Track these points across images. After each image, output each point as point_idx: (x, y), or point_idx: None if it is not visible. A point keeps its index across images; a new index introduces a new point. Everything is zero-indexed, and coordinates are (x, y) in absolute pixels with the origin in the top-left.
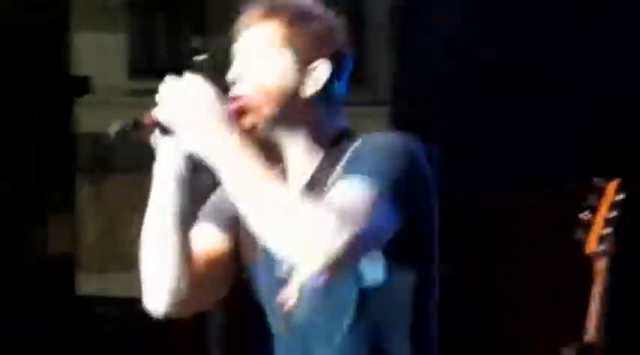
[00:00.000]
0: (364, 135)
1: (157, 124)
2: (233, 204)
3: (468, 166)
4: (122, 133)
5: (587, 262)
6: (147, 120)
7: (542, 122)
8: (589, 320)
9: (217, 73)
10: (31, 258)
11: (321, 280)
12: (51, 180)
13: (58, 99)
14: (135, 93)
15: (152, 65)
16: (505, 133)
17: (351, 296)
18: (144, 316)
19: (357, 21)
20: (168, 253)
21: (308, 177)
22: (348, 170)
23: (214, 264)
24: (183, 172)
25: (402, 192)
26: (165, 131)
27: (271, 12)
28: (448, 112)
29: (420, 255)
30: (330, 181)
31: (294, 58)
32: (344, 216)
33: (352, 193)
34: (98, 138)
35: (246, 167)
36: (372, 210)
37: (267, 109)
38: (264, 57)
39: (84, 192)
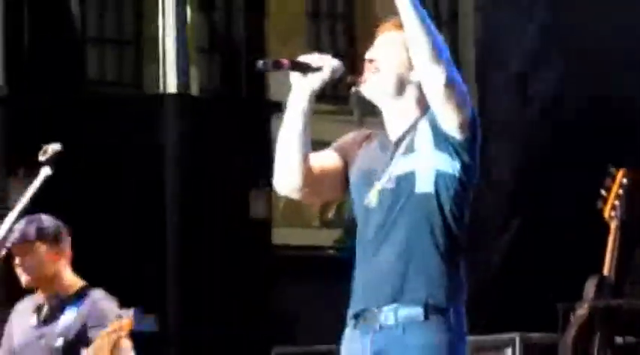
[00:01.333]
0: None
1: (294, 65)
2: (347, 144)
3: None
4: (265, 67)
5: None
6: (284, 61)
7: None
8: (608, 258)
9: None
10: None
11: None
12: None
13: None
14: None
15: None
16: None
17: (404, 197)
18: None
19: None
20: (292, 152)
21: (400, 133)
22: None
23: (326, 170)
24: (308, 103)
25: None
26: (300, 70)
27: (400, 24)
28: None
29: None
30: (416, 137)
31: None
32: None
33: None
34: None
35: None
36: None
37: (390, 78)
38: (396, 51)
39: None
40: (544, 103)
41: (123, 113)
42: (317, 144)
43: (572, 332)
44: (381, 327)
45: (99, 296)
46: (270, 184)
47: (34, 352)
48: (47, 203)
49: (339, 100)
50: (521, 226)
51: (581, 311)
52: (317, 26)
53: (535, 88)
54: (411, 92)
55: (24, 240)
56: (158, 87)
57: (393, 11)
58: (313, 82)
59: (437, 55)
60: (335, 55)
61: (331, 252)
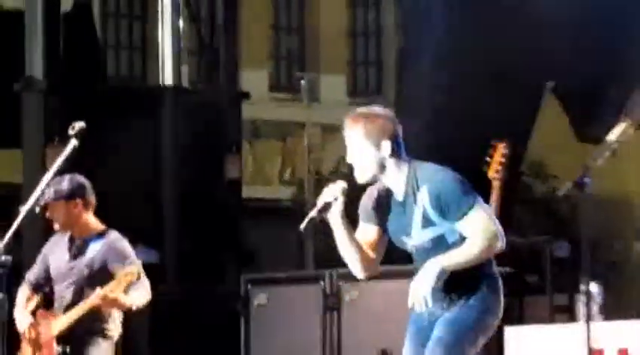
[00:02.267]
0: (421, 166)
1: (322, 210)
2: (371, 201)
3: None
4: (316, 216)
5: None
6: (315, 213)
7: None
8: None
9: None
10: None
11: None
12: None
13: None
14: None
15: None
16: None
17: (442, 250)
18: None
19: None
20: (351, 252)
21: (402, 195)
22: (451, 208)
23: (374, 242)
24: (343, 220)
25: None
26: (327, 209)
27: (355, 119)
28: None
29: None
30: (418, 196)
31: (372, 144)
32: (487, 234)
33: (478, 220)
34: None
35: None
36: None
37: (369, 172)
38: (359, 147)
39: None
40: (447, 94)
41: (132, 100)
42: (277, 123)
43: None
44: None
45: (116, 237)
46: (239, 151)
47: (68, 280)
48: (74, 164)
49: (292, 91)
50: None
51: None
52: (277, 35)
53: (441, 82)
54: (389, 164)
55: (58, 197)
56: (159, 80)
57: (335, 22)
58: (337, 208)
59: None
60: (288, 55)
61: (286, 203)
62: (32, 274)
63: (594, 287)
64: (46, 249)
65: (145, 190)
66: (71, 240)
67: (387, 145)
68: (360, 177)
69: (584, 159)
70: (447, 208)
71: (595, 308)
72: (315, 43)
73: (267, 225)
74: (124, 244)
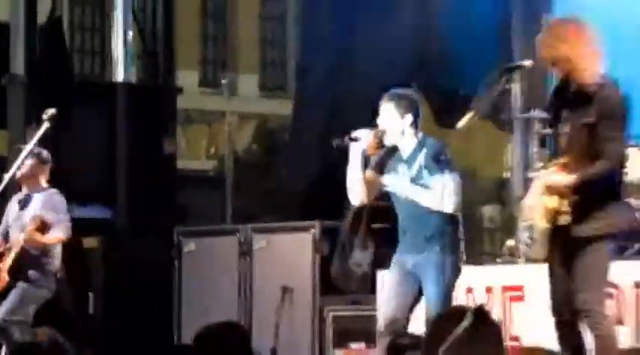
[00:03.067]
0: (427, 138)
1: (352, 139)
2: (379, 157)
3: None
4: (343, 142)
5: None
6: (348, 138)
7: None
8: None
9: None
10: None
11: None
12: None
13: None
14: None
15: None
16: None
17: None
18: None
19: None
20: (354, 181)
21: (408, 154)
22: (435, 168)
23: (372, 182)
24: (361, 156)
25: None
26: (354, 140)
27: (390, 96)
28: None
29: None
30: (419, 157)
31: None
32: (453, 193)
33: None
34: None
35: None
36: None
37: (393, 136)
38: (390, 116)
39: None
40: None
41: (92, 92)
42: (204, 112)
43: (348, 220)
44: None
45: (53, 191)
46: (174, 133)
47: (17, 227)
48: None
49: (216, 86)
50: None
51: (353, 206)
52: (205, 43)
53: (330, 81)
54: (408, 132)
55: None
56: (113, 78)
57: (250, 31)
58: (360, 144)
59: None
60: (213, 58)
61: (210, 173)
62: (1, 226)
63: None
64: (8, 205)
65: (103, 162)
66: (22, 195)
67: (409, 118)
68: (388, 140)
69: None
70: (433, 166)
71: None
72: (234, 49)
73: (195, 190)
74: (61, 199)
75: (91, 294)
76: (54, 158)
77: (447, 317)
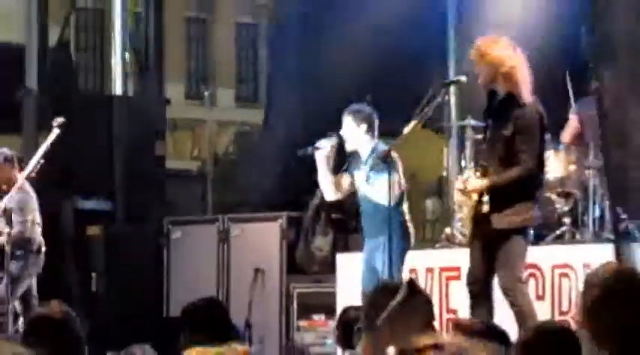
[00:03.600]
0: (380, 145)
1: (314, 149)
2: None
3: None
4: (307, 152)
5: None
6: (311, 149)
7: None
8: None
9: None
10: None
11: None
12: None
13: None
14: None
15: None
16: None
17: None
18: None
19: None
20: (325, 181)
21: (367, 154)
22: (378, 169)
23: (343, 181)
24: (326, 163)
25: None
26: (316, 150)
27: (349, 111)
28: None
29: None
30: (370, 159)
31: (357, 125)
32: (394, 189)
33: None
34: None
35: None
36: None
37: (353, 140)
38: (348, 127)
39: None
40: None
41: (95, 103)
42: (189, 120)
43: (310, 211)
44: None
45: (24, 190)
46: (164, 137)
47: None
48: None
49: (199, 98)
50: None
51: (315, 200)
52: (189, 61)
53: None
54: (364, 139)
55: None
56: (112, 91)
57: (226, 52)
58: (323, 151)
59: None
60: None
61: (194, 172)
62: None
63: None
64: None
65: (103, 162)
66: None
67: (363, 127)
68: (349, 146)
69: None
70: (380, 167)
71: None
72: (214, 66)
73: (181, 186)
74: (25, 197)
75: (93, 274)
76: (62, 159)
77: (383, 291)
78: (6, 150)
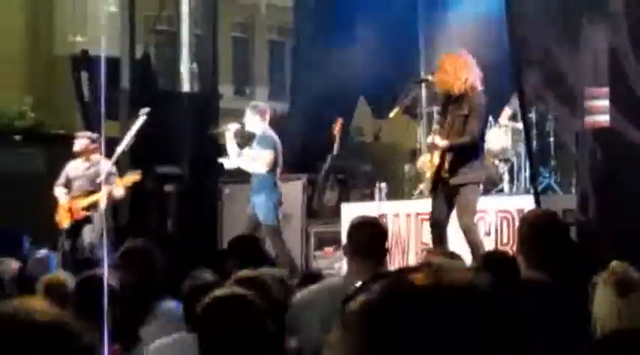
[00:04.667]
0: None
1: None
2: None
3: None
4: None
5: None
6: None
7: None
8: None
9: None
10: None
11: None
12: None
13: None
14: None
15: None
16: None
17: None
18: None
19: None
20: (244, 162)
21: (258, 138)
22: (263, 144)
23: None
24: (233, 141)
25: None
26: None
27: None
28: None
29: None
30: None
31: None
32: (266, 161)
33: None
34: None
35: None
36: None
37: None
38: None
39: None
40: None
41: (171, 98)
42: (235, 110)
43: (322, 174)
44: None
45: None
46: (217, 123)
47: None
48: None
49: (243, 93)
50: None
51: (325, 165)
52: (235, 67)
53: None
54: (259, 124)
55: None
56: (183, 89)
57: (262, 60)
58: (230, 134)
59: None
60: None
61: None
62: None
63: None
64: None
65: (174, 140)
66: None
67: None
68: (250, 128)
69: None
70: (261, 145)
71: (382, 195)
72: (253, 71)
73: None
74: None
75: (169, 219)
76: (146, 137)
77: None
78: (91, 134)
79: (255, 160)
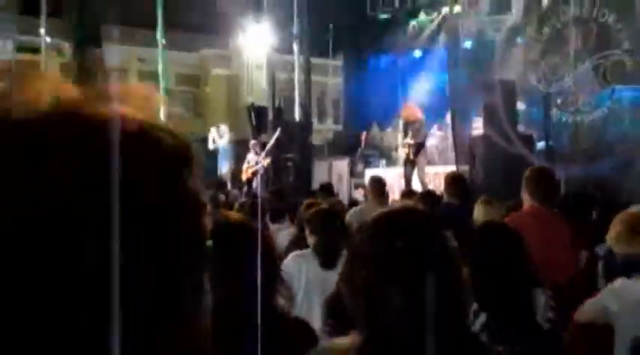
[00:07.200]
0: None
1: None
2: None
3: None
4: None
5: None
6: None
7: None
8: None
9: None
10: None
11: None
12: None
13: None
14: None
15: None
16: None
17: None
18: None
19: None
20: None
21: None
22: None
23: None
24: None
25: None
26: None
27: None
28: None
29: None
30: None
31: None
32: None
33: None
34: None
35: None
36: None
37: None
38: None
39: None
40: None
41: (288, 126)
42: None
43: (357, 155)
44: None
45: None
46: (310, 137)
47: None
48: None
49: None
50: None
51: (360, 151)
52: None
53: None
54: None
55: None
56: (292, 118)
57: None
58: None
59: None
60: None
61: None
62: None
63: (372, 173)
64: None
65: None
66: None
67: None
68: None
69: None
70: None
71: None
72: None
73: (317, 153)
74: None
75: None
76: (272, 148)
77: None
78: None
79: None
